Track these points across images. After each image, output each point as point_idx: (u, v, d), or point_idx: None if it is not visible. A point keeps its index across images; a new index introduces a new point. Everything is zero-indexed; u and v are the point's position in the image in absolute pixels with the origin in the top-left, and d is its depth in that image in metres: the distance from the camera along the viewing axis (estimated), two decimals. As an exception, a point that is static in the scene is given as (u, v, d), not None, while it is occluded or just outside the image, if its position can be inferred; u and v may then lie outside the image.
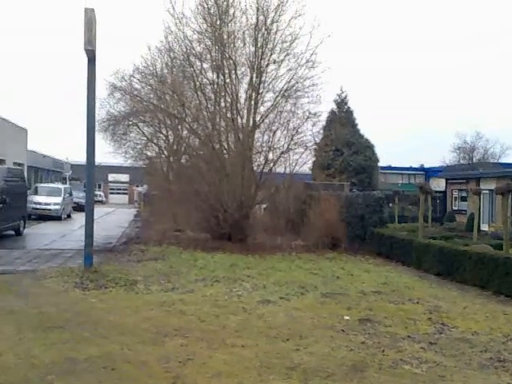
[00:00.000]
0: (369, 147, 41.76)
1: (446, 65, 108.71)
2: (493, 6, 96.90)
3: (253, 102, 20.95)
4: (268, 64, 20.90)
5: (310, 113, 21.29)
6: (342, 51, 65.90)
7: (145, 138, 30.79)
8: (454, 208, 37.98)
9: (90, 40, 13.57)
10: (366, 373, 6.90)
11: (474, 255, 14.03)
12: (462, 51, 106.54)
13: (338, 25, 55.76)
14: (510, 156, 74.06)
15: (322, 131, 25.78)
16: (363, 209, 20.66)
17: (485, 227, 29.23)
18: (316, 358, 7.39)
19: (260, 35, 20.53)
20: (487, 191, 30.26)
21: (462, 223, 29.85)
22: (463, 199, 37.04)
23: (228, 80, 20.84)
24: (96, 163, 15.33)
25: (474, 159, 59.60)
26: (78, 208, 36.22)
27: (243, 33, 20.88)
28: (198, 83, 21.32)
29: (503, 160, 58.58)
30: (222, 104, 21.45)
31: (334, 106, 42.31)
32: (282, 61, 20.95)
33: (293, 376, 6.67)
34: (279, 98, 21.17)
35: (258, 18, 20.40)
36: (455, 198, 38.88)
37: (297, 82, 21.12)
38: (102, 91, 31.54)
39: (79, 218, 28.09)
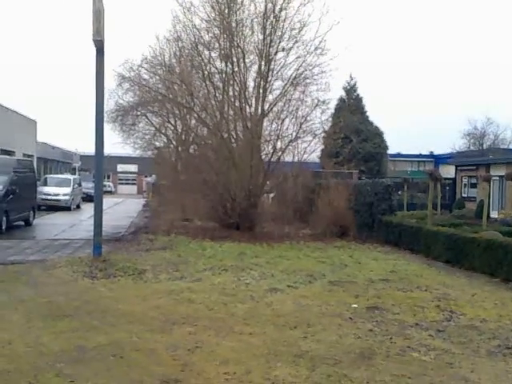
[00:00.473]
0: (378, 134, 41.65)
1: (457, 50, 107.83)
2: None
3: (261, 91, 20.84)
4: (276, 52, 20.77)
5: (318, 100, 21.16)
6: (350, 37, 65.33)
7: (153, 129, 30.84)
8: (464, 195, 37.77)
9: (98, 30, 13.57)
10: (373, 360, 6.91)
11: (483, 242, 13.94)
12: (472, 36, 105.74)
13: (347, 10, 55.62)
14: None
15: (330, 119, 25.71)
16: (372, 197, 20.53)
17: (494, 214, 29.14)
18: (324, 346, 7.40)
19: (268, 23, 20.37)
20: (497, 177, 30.08)
21: (472, 210, 29.73)
22: (473, 186, 36.80)
23: (236, 68, 20.74)
24: (105, 154, 15.43)
25: (485, 145, 58.96)
26: (87, 198, 36.36)
27: (251, 21, 20.75)
28: (206, 72, 21.24)
29: (514, 146, 58.07)
30: (231, 93, 21.38)
31: (343, 93, 42.25)
32: (291, 48, 20.80)
33: (300, 363, 6.69)
34: (288, 85, 21.03)
35: (266, 6, 20.25)
36: (465, 184, 38.65)
37: (305, 70, 20.97)
38: (110, 82, 31.54)
39: (88, 209, 28.23)
